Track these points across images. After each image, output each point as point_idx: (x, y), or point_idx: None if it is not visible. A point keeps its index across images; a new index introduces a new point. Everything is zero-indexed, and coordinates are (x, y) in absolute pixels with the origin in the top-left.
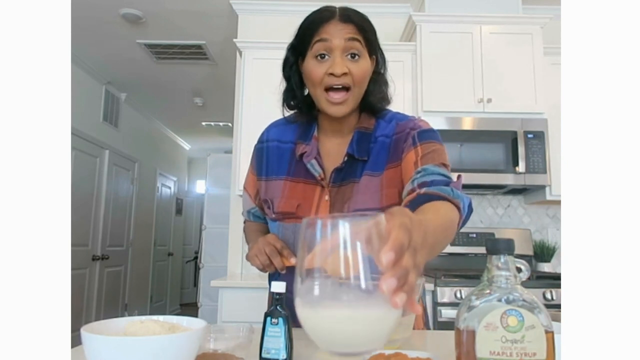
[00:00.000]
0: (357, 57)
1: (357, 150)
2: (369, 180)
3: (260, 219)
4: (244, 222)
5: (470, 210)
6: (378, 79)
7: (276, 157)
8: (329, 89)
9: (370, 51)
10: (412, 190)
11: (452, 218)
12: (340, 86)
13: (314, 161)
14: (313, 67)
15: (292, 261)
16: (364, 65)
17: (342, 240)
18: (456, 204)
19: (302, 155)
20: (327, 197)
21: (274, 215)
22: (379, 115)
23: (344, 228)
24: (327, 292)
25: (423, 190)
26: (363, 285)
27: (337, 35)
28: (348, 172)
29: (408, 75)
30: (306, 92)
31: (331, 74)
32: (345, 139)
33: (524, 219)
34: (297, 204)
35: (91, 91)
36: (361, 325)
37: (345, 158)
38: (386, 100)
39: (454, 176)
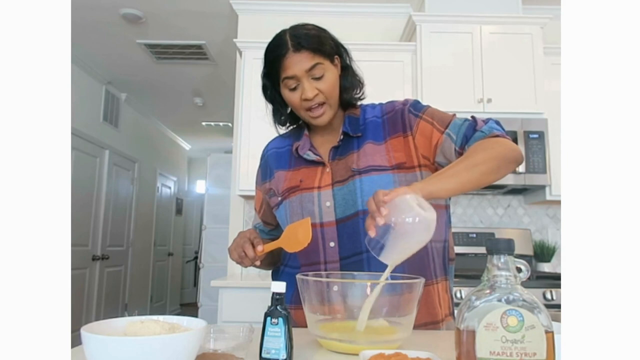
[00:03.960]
0: (321, 76)
1: (351, 129)
2: (373, 146)
3: (264, 232)
4: None
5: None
6: (347, 73)
7: (276, 159)
8: (308, 109)
9: (332, 56)
10: (460, 153)
11: (487, 144)
12: (316, 105)
13: (309, 152)
14: (289, 97)
15: (259, 248)
16: (330, 79)
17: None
18: (493, 136)
19: (297, 150)
20: (328, 170)
21: (279, 198)
22: (361, 105)
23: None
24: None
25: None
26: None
27: (297, 68)
28: (345, 147)
29: (408, 75)
30: (289, 110)
31: (305, 99)
32: (334, 132)
33: (524, 219)
34: (300, 179)
35: (91, 91)
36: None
37: (342, 137)
38: (359, 86)
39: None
